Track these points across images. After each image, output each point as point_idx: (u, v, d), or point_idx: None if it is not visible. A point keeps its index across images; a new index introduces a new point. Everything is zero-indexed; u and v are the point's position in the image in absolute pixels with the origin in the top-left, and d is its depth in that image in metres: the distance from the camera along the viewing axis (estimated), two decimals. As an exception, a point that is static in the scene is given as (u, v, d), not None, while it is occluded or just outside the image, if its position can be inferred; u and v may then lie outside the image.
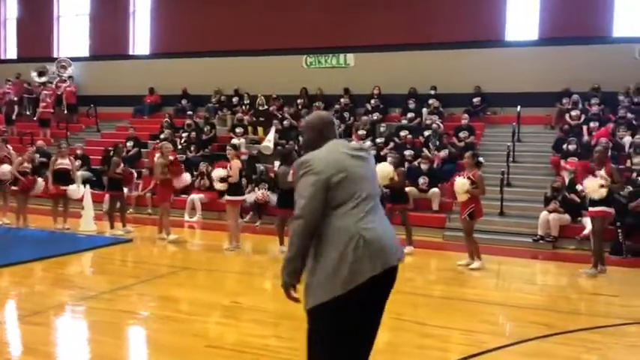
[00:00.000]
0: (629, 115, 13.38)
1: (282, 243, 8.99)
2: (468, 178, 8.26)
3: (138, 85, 19.01)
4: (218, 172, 9.12)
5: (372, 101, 16.56)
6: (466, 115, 14.38)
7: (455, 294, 6.97)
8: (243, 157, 13.52)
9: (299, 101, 17.31)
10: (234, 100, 18.13)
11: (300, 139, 3.54)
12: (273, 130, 14.92)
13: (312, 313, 2.83)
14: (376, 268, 2.78)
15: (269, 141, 14.56)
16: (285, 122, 15.95)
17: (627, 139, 12.54)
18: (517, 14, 16.35)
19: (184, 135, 15.87)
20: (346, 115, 15.96)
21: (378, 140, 13.89)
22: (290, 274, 2.86)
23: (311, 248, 2.84)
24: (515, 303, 6.62)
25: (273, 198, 12.32)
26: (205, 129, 16.24)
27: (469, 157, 8.49)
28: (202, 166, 13.15)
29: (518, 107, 14.42)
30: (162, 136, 16.05)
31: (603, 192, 7.84)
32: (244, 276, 7.81)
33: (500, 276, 8.06)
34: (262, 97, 17.07)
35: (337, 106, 16.33)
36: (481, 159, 9.98)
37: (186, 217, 12.51)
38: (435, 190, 11.63)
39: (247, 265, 8.47)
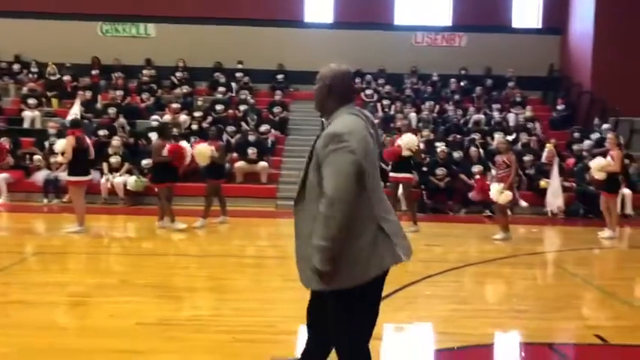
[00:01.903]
0: (413, 94, 15.56)
1: (162, 218, 8.91)
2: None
3: None
4: (60, 143, 8.37)
5: (178, 74, 16.32)
6: (279, 92, 15.15)
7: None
8: (52, 130, 12.40)
9: (94, 72, 16.24)
10: (16, 67, 16.19)
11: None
12: (78, 102, 13.80)
13: (336, 293, 2.68)
14: (396, 258, 2.73)
15: (74, 114, 13.47)
16: (86, 93, 14.81)
17: (413, 115, 14.60)
18: (314, -2, 17.53)
19: (-37, 107, 13.77)
20: (154, 87, 15.48)
21: (196, 114, 13.84)
22: (330, 261, 2.57)
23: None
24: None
25: (95, 175, 11.56)
26: (-12, 100, 14.30)
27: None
28: (4, 142, 11.65)
29: (322, 85, 15.65)
30: None
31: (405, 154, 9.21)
32: (105, 256, 7.46)
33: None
34: (54, 66, 15.60)
35: (145, 78, 15.72)
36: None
37: (-10, 200, 11.06)
38: (264, 163, 12.18)
39: (101, 245, 8.06)
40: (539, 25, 17.39)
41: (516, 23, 17.38)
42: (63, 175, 11.33)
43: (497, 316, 5.26)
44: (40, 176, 11.34)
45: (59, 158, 8.53)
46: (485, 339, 4.63)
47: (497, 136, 13.40)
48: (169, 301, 5.38)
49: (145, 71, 16.26)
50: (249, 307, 5.30)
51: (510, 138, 11.05)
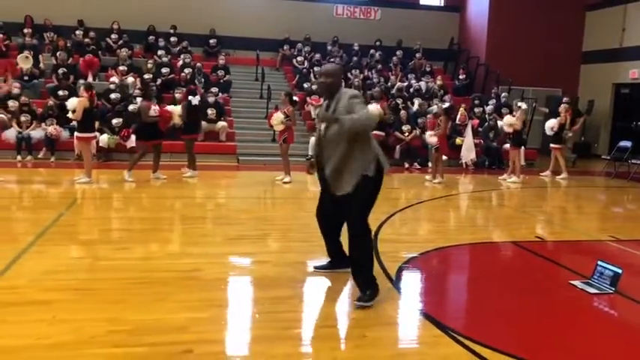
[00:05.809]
0: (341, 62, 17.37)
1: (129, 170, 9.83)
2: (284, 112, 10.41)
3: None
4: (72, 102, 9.24)
5: (113, 36, 16.77)
6: (222, 56, 16.26)
7: (295, 194, 9.47)
8: (16, 90, 12.67)
9: (26, 31, 16.20)
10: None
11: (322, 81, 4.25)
12: (26, 59, 14.05)
13: (361, 182, 4.18)
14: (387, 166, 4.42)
15: (27, 68, 13.78)
16: (30, 53, 14.89)
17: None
18: (242, -33, 18.56)
19: None
20: (95, 48, 15.85)
21: (146, 76, 14.63)
22: (351, 127, 4.08)
23: (356, 150, 4.18)
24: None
25: (65, 133, 12.24)
26: None
27: (284, 96, 10.61)
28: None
29: (258, 51, 17.03)
30: None
31: None
32: (137, 199, 8.57)
33: (311, 184, 10.83)
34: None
35: (87, 40, 16.02)
36: (295, 98, 11.96)
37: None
38: (223, 123, 13.46)
39: (121, 192, 9.12)
40: (442, 4, 19.91)
41: (422, 0, 19.73)
42: (34, 134, 11.99)
43: (469, 228, 7.39)
44: (10, 134, 11.79)
45: (70, 115, 9.36)
46: (472, 241, 6.68)
47: (417, 101, 15.73)
48: (234, 225, 6.87)
49: (77, 32, 16.51)
50: (292, 227, 6.93)
51: (445, 103, 13.23)
